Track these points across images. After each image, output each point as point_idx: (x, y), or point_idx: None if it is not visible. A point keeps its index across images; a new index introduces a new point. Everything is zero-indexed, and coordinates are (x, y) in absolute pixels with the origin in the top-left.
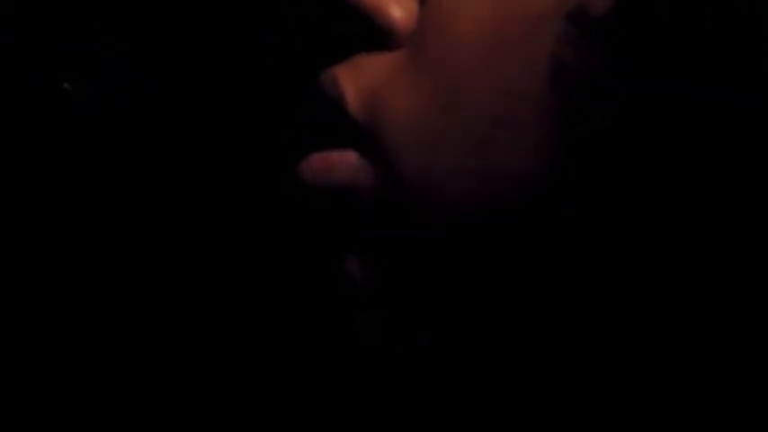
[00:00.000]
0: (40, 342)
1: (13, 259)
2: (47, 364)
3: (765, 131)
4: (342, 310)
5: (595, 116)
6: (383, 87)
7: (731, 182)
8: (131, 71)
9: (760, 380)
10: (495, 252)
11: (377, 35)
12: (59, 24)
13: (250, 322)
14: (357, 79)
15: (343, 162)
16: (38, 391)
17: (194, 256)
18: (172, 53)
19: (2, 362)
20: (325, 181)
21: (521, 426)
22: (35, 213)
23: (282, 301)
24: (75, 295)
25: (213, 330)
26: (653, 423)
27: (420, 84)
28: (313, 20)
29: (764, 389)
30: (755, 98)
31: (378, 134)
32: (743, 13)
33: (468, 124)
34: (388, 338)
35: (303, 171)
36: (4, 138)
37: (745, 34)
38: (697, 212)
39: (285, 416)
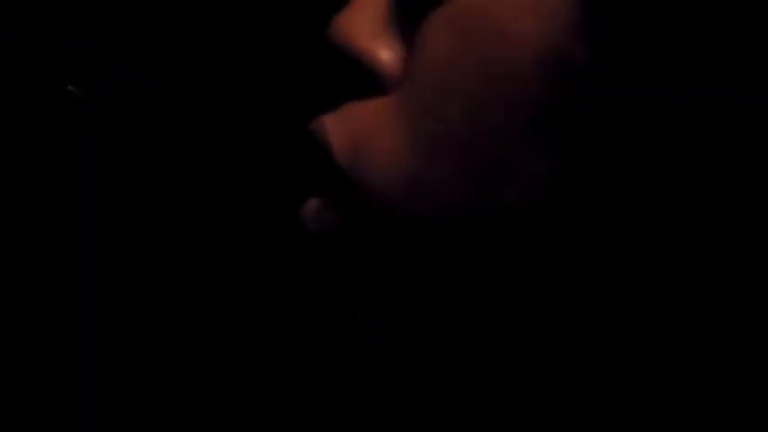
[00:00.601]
0: (40, 342)
1: (14, 259)
2: (47, 364)
3: (762, 132)
4: (342, 310)
5: (586, 151)
6: (370, 132)
7: (729, 182)
8: (131, 71)
9: (757, 378)
10: (490, 262)
11: (365, 78)
12: (59, 24)
13: (250, 322)
14: (345, 126)
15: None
16: (38, 391)
17: (194, 256)
18: (172, 53)
19: (2, 362)
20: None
21: (520, 425)
22: (35, 213)
23: (282, 302)
24: (76, 294)
25: (213, 330)
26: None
27: (407, 128)
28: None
29: (763, 388)
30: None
31: (363, 178)
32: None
33: (457, 167)
34: (388, 338)
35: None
36: (4, 138)
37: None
38: (694, 211)
39: (285, 416)
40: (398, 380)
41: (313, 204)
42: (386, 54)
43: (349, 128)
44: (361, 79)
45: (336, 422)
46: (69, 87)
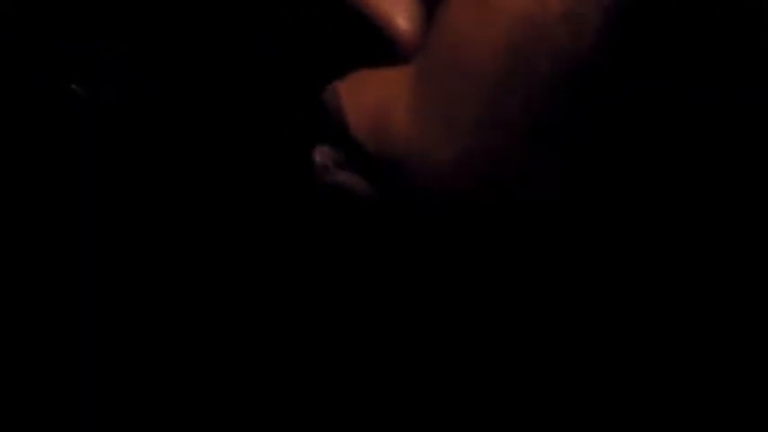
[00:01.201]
0: (40, 342)
1: (14, 258)
2: (47, 364)
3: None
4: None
5: (599, 151)
6: (386, 105)
7: (740, 181)
8: (131, 71)
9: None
10: (493, 253)
11: (381, 43)
12: (59, 24)
13: (250, 322)
14: (360, 98)
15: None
16: (38, 390)
17: (194, 256)
18: (172, 53)
19: (2, 362)
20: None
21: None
22: (35, 213)
23: (282, 302)
24: (76, 294)
25: (213, 330)
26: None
27: (422, 105)
28: (317, 25)
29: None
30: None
31: (379, 152)
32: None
33: (468, 153)
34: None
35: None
36: (4, 138)
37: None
38: (706, 209)
39: (285, 416)
40: (399, 380)
41: (327, 155)
42: (404, 20)
43: (364, 100)
44: (375, 44)
45: (336, 422)
46: (72, 86)
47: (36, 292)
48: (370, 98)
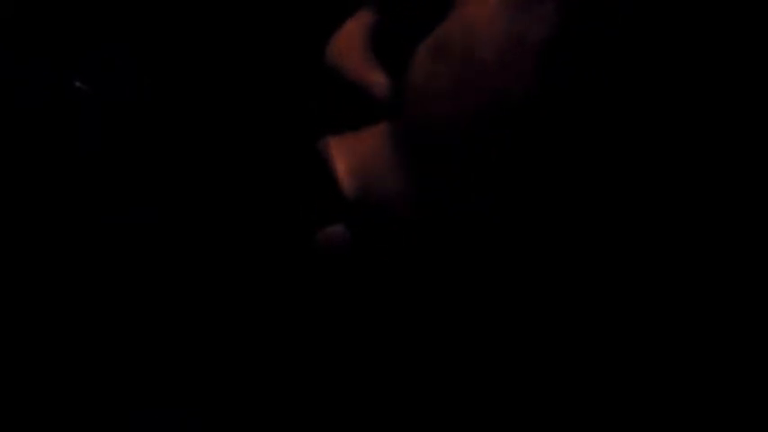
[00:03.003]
0: (40, 342)
1: (15, 257)
2: (47, 364)
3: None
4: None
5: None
6: (371, 161)
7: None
8: (136, 68)
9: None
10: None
11: (359, 98)
12: (59, 24)
13: (249, 322)
14: (347, 154)
15: (334, 239)
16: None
17: (196, 255)
18: (175, 50)
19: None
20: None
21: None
22: (40, 206)
23: (281, 302)
24: (78, 289)
25: (213, 330)
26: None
27: (403, 158)
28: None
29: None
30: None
31: (366, 203)
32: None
33: (454, 196)
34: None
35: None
36: (4, 138)
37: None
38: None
39: (284, 416)
40: (398, 380)
41: (328, 233)
42: (377, 77)
43: (351, 157)
44: (355, 99)
45: (336, 422)
46: (77, 83)
47: (41, 285)
48: (357, 156)
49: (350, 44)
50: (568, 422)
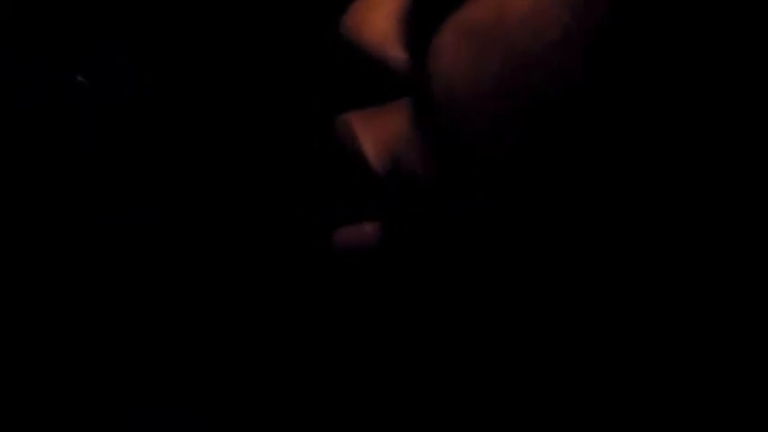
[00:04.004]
0: (40, 342)
1: (15, 257)
2: (47, 364)
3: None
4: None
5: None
6: (397, 142)
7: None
8: (132, 71)
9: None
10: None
11: (377, 74)
12: (59, 24)
13: (249, 322)
14: (374, 129)
15: (363, 237)
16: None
17: (196, 255)
18: (173, 53)
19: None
20: (354, 253)
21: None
22: (36, 212)
23: (282, 301)
24: (78, 289)
25: (213, 330)
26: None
27: (428, 144)
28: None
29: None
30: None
31: (400, 181)
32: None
33: (477, 187)
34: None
35: (336, 243)
36: (4, 138)
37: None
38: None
39: (284, 416)
40: (398, 379)
41: (358, 232)
42: (398, 53)
43: (377, 133)
44: (373, 75)
45: (336, 422)
46: (79, 78)
47: (41, 285)
48: (383, 135)
49: (370, 14)
50: (568, 422)
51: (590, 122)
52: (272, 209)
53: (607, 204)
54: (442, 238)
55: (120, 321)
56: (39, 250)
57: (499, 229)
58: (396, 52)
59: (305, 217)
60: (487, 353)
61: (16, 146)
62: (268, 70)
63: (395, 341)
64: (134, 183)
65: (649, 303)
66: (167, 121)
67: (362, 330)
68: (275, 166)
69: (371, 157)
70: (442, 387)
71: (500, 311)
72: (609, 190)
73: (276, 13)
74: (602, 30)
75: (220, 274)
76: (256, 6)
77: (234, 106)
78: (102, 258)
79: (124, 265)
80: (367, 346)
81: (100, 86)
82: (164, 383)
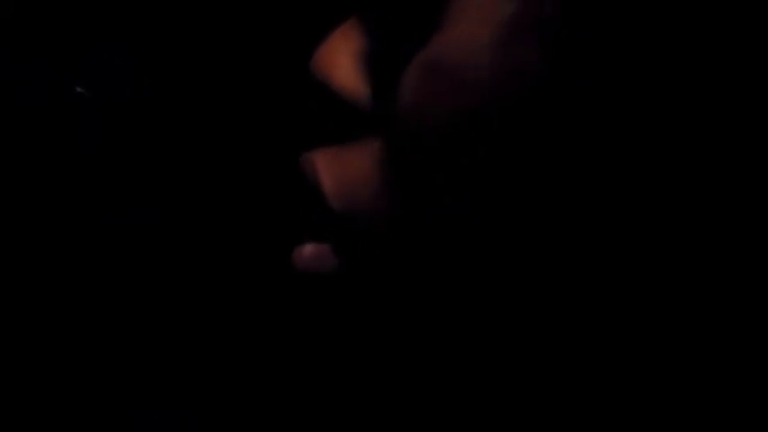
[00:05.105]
0: (40, 342)
1: (15, 257)
2: (47, 364)
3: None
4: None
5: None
6: (358, 177)
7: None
8: (132, 71)
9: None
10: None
11: (347, 109)
12: (59, 24)
13: (247, 323)
14: (334, 167)
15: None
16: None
17: (196, 255)
18: (173, 53)
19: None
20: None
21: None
22: (36, 212)
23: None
24: (78, 289)
25: (212, 331)
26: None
27: (391, 169)
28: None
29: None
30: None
31: (354, 217)
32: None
33: (435, 220)
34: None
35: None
36: (4, 138)
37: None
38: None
39: (284, 416)
40: (398, 379)
41: (305, 251)
42: (364, 89)
43: (337, 171)
44: (341, 110)
45: (336, 422)
46: (77, 89)
47: (41, 285)
48: (344, 171)
49: (336, 55)
50: (568, 422)
51: (541, 139)
52: (271, 209)
53: (580, 204)
54: (405, 263)
55: (120, 321)
56: (39, 250)
57: (482, 242)
58: (360, 89)
59: (305, 217)
60: (479, 352)
61: (16, 146)
62: (268, 70)
63: (395, 341)
64: (134, 183)
65: (633, 301)
66: (167, 121)
67: (362, 330)
68: (275, 166)
69: (330, 195)
70: (436, 388)
71: (488, 313)
72: (575, 191)
73: (276, 14)
74: (547, 67)
75: (220, 275)
76: (256, 6)
77: (234, 106)
78: (102, 258)
79: (124, 265)
80: (367, 346)
81: (99, 88)
82: (164, 383)
